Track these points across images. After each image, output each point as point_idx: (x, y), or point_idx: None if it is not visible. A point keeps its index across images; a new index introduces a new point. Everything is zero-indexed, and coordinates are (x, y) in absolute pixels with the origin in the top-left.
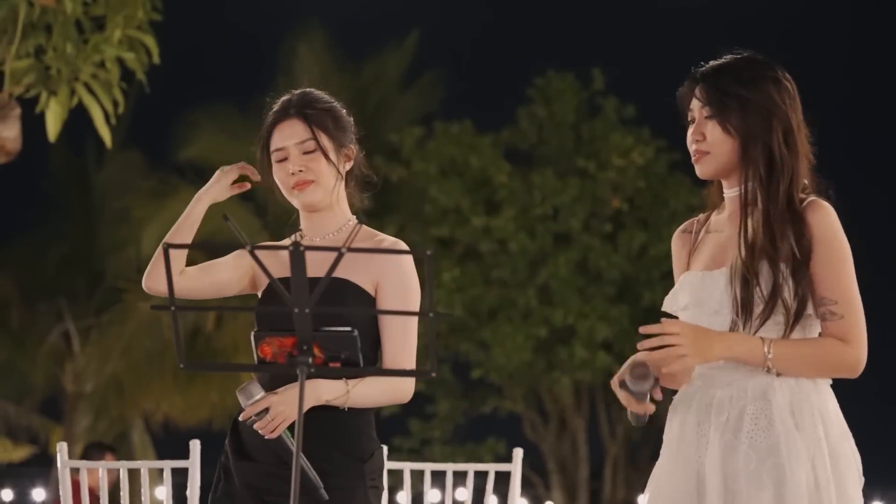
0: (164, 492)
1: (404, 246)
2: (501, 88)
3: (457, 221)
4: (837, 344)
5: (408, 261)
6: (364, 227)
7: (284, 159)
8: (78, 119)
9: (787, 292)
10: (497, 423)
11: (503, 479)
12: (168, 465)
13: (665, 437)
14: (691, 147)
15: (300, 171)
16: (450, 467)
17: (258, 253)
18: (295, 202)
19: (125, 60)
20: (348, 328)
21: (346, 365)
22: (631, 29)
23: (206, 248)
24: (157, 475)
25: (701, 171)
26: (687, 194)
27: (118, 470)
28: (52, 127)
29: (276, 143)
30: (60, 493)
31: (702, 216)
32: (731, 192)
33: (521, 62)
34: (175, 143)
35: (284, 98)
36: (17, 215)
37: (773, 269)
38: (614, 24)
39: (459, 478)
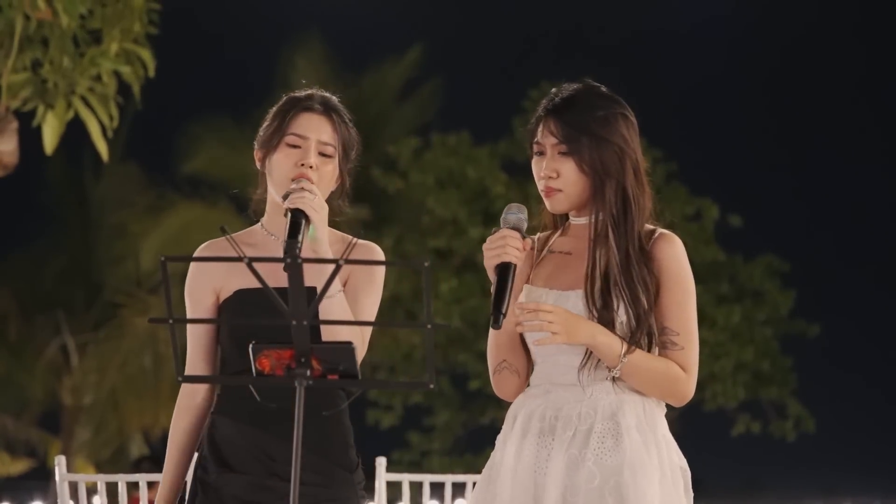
0: None
1: (375, 247)
2: (497, 100)
3: (454, 232)
4: (679, 371)
5: (378, 255)
6: (335, 231)
7: (298, 147)
8: (75, 132)
9: (643, 326)
10: (496, 434)
11: None
12: None
13: (504, 445)
14: (541, 181)
15: (311, 167)
16: (449, 478)
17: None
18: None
19: (122, 74)
20: (346, 341)
21: (345, 377)
22: (626, 40)
23: (203, 260)
24: (157, 489)
25: (553, 207)
26: (683, 204)
27: (117, 483)
28: (49, 140)
29: (298, 128)
30: None
31: (541, 234)
32: (579, 220)
33: (516, 73)
34: (173, 156)
35: (314, 92)
36: (15, 228)
37: (632, 304)
38: (609, 34)
39: (458, 489)
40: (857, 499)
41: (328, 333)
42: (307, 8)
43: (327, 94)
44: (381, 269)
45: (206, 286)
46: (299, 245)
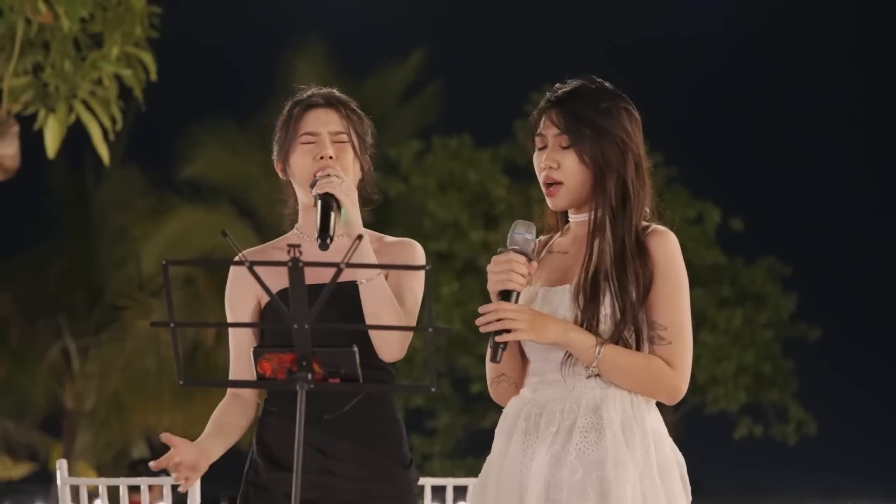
0: None
1: (411, 242)
2: (499, 103)
3: (455, 236)
4: (664, 366)
5: (417, 250)
6: (369, 230)
7: (313, 143)
8: (76, 136)
9: (631, 320)
10: None
11: None
12: (168, 481)
13: (494, 446)
14: (542, 173)
15: (331, 157)
16: (450, 482)
17: (258, 269)
18: (309, 193)
19: (123, 77)
20: (348, 345)
21: (346, 380)
22: (628, 44)
23: (204, 264)
24: (158, 491)
25: (554, 204)
26: (684, 208)
27: (118, 486)
28: (51, 144)
29: (308, 126)
30: None
31: (542, 237)
32: (578, 217)
33: (518, 76)
34: (174, 160)
35: (313, 90)
36: (16, 232)
37: (619, 296)
38: (611, 38)
39: (460, 492)
40: (857, 502)
41: (372, 319)
42: (308, 11)
43: (327, 89)
44: (420, 260)
45: (245, 292)
46: (331, 233)
